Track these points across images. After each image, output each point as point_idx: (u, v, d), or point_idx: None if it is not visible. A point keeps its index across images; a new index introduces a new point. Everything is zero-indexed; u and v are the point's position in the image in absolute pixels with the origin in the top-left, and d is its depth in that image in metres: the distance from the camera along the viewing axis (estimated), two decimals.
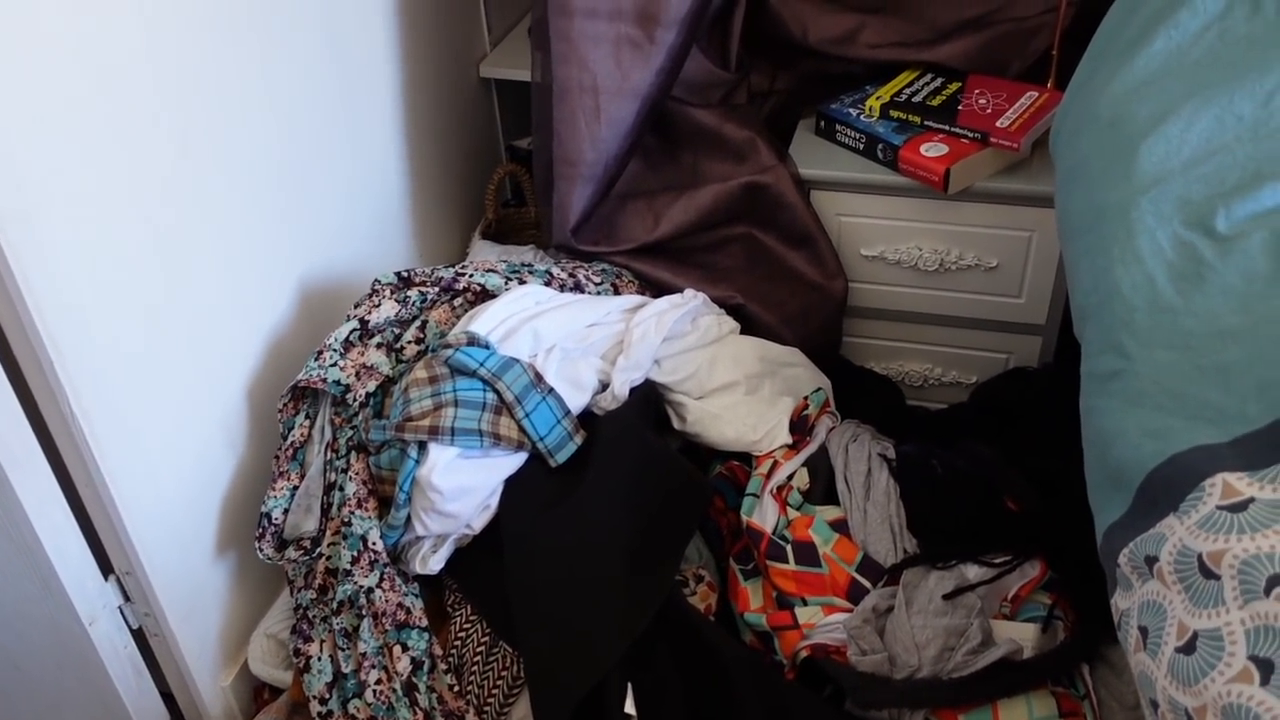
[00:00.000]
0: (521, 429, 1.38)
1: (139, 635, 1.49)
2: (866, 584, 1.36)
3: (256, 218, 1.52)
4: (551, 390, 1.42)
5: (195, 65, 1.36)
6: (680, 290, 1.71)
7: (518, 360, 1.41)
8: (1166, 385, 1.03)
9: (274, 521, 1.45)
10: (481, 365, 1.37)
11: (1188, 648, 0.87)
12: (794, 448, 1.53)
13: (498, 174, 2.18)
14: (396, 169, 1.91)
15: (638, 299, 1.57)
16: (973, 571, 1.34)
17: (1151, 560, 0.94)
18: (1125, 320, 1.09)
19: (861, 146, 1.79)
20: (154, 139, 1.30)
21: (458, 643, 1.38)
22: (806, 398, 1.61)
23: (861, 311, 1.88)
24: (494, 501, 1.39)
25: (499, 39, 2.26)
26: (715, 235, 1.83)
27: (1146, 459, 0.99)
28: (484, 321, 1.45)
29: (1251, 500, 0.90)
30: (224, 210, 1.45)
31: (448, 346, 1.41)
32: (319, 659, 1.40)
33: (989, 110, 1.73)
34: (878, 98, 1.80)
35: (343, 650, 1.39)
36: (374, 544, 1.38)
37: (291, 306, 1.63)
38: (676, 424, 1.56)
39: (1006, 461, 1.53)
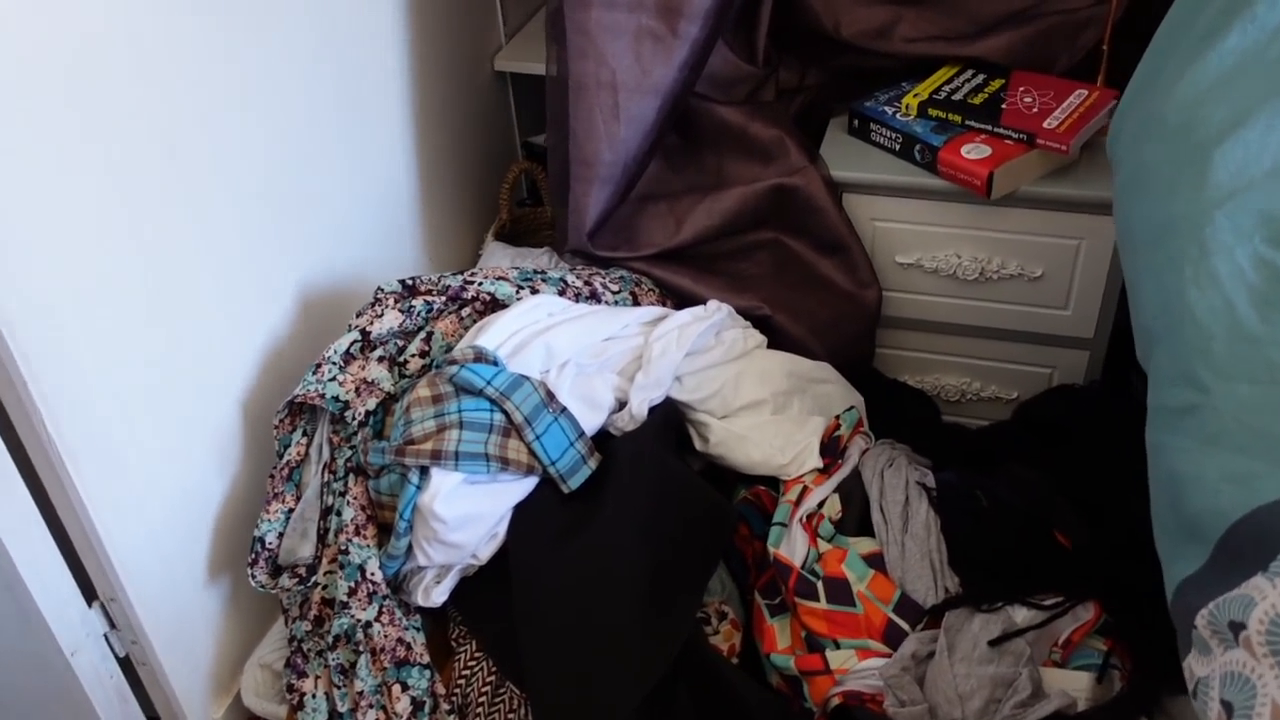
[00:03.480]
0: (532, 452, 1.28)
1: (126, 663, 1.40)
2: (904, 626, 1.25)
3: (252, 220, 1.42)
4: (564, 410, 1.32)
5: (183, 56, 1.26)
6: (703, 300, 1.61)
7: (528, 378, 1.31)
8: (1250, 424, 0.92)
9: (267, 546, 1.36)
10: (489, 383, 1.28)
11: None
12: (825, 472, 1.43)
13: (512, 172, 2.08)
14: (404, 167, 1.81)
15: (658, 311, 1.47)
16: (1021, 614, 1.23)
17: (1237, 627, 0.83)
18: (1201, 349, 0.98)
19: (898, 147, 1.68)
20: (136, 135, 1.20)
21: (461, 681, 1.29)
22: (838, 417, 1.50)
23: (896, 322, 1.77)
24: (502, 530, 1.29)
25: (515, 30, 2.16)
26: (741, 241, 1.72)
27: (1228, 509, 0.88)
28: (493, 335, 1.35)
29: None
30: (216, 212, 1.35)
31: (453, 363, 1.31)
32: (313, 696, 1.31)
33: (1035, 109, 1.61)
34: (915, 95, 1.69)
35: (339, 688, 1.29)
36: (372, 574, 1.28)
37: (290, 313, 1.53)
38: (699, 445, 1.46)
39: (1053, 488, 1.42)
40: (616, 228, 1.69)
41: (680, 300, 1.65)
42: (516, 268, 1.56)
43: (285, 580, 1.35)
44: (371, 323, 1.41)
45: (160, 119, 1.23)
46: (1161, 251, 1.06)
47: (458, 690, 1.28)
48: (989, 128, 1.61)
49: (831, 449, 1.45)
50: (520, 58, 2.09)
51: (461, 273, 1.50)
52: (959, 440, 1.73)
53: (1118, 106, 1.29)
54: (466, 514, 1.23)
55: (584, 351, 1.38)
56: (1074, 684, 1.19)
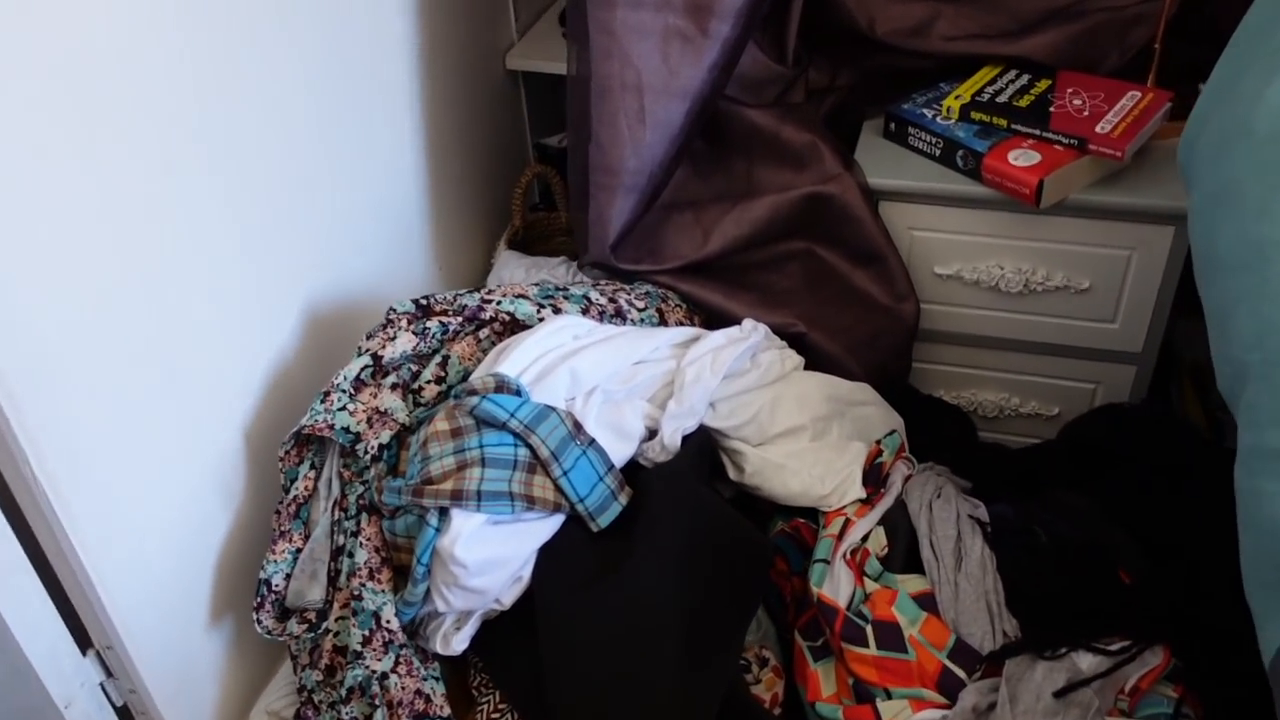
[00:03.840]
0: (559, 489, 1.19)
1: (124, 713, 1.31)
2: (960, 674, 1.16)
3: (253, 233, 1.32)
4: (592, 442, 1.23)
5: (179, 58, 1.16)
6: (734, 316, 1.51)
7: (554, 409, 1.22)
8: None
9: (274, 589, 1.27)
10: (512, 416, 1.18)
11: None
12: (867, 502, 1.34)
13: (525, 176, 1.99)
14: (413, 173, 1.71)
15: (690, 332, 1.38)
16: (1086, 661, 1.14)
17: None
18: None
19: (938, 153, 1.58)
20: (125, 146, 1.10)
21: None
22: (879, 442, 1.41)
23: (933, 335, 1.68)
24: (527, 572, 1.20)
25: (527, 27, 2.07)
26: (772, 251, 1.63)
27: None
28: (515, 361, 1.26)
29: None
30: (217, 225, 1.25)
31: (473, 392, 1.21)
32: None
33: (1086, 113, 1.52)
34: (957, 97, 1.60)
35: None
36: (388, 622, 1.19)
37: (296, 332, 1.44)
38: (733, 474, 1.36)
39: (1106, 517, 1.34)
40: (640, 239, 1.60)
41: (709, 316, 1.56)
42: (537, 284, 1.46)
43: (294, 626, 1.26)
44: (383, 346, 1.32)
45: (152, 127, 1.13)
46: (1257, 277, 0.97)
47: None
48: (1037, 132, 1.52)
49: (874, 477, 1.36)
50: (533, 55, 2.00)
51: (479, 290, 1.41)
52: (1000, 461, 1.64)
53: (1192, 113, 1.19)
54: (489, 558, 1.14)
55: (612, 377, 1.29)
56: None
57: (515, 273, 1.81)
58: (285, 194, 1.38)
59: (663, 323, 1.47)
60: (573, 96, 1.57)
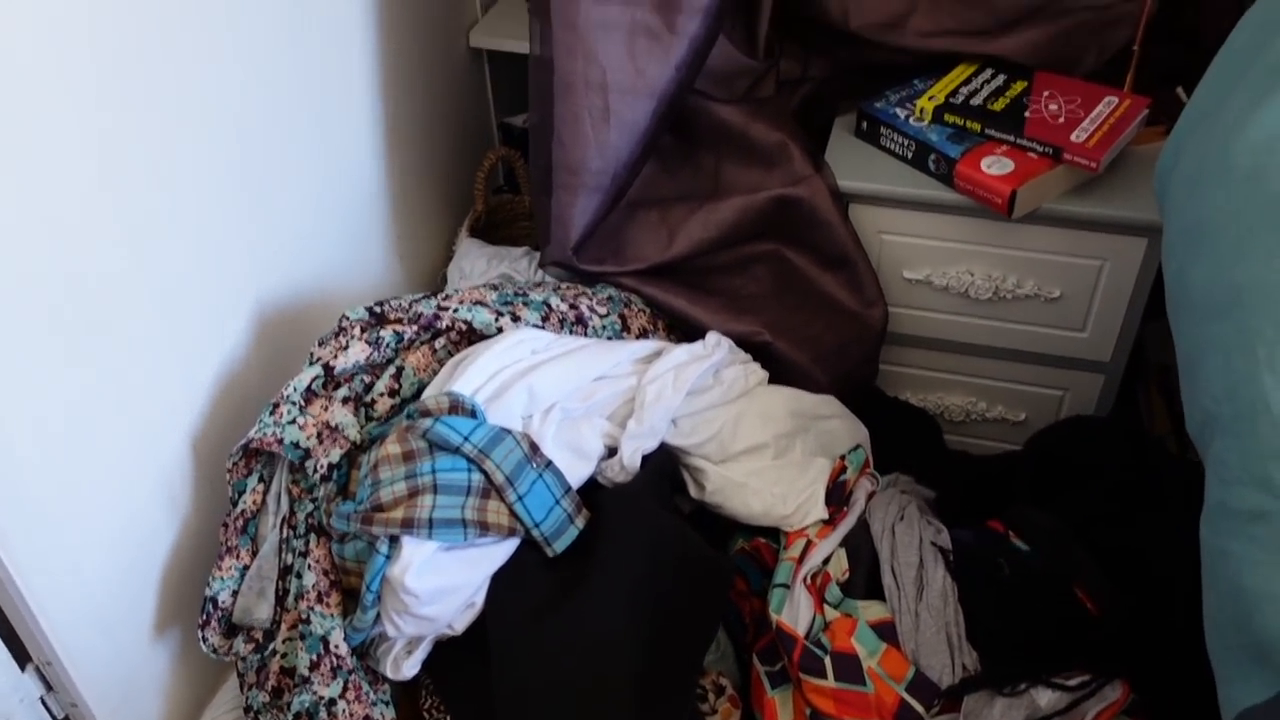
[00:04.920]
0: (514, 513, 1.16)
1: None
2: (918, 708, 1.15)
3: (202, 230, 1.26)
4: (549, 464, 1.19)
5: (116, 45, 1.09)
6: (698, 322, 1.48)
7: (509, 431, 1.18)
8: None
9: (220, 606, 1.23)
10: (466, 440, 1.15)
11: None
12: (829, 522, 1.32)
13: (489, 160, 1.93)
14: (371, 158, 1.65)
15: (651, 346, 1.34)
16: (1045, 698, 1.14)
17: None
18: (1279, 451, 0.86)
19: (910, 155, 1.54)
20: (67, 139, 1.04)
21: None
22: (844, 457, 1.39)
23: (900, 339, 1.65)
24: (480, 599, 1.17)
25: (490, 2, 1.99)
26: (738, 253, 1.59)
27: None
28: (470, 377, 1.22)
29: None
30: (160, 223, 1.19)
31: (426, 413, 1.17)
32: None
33: (1061, 119, 1.48)
34: (930, 98, 1.56)
35: None
36: (336, 647, 1.16)
37: (247, 333, 1.39)
38: (694, 492, 1.34)
39: (1071, 536, 1.32)
40: (604, 238, 1.55)
41: (672, 320, 1.52)
42: (495, 286, 1.42)
43: (240, 645, 1.22)
44: (335, 356, 1.27)
45: (91, 119, 1.07)
46: (1229, 324, 0.95)
47: None
48: (1011, 139, 1.48)
49: (837, 495, 1.34)
50: (497, 33, 1.93)
51: (434, 295, 1.37)
52: (965, 469, 1.63)
53: (1170, 137, 1.16)
54: (441, 586, 1.11)
55: (572, 394, 1.25)
56: None
57: (477, 263, 1.76)
58: (234, 187, 1.32)
59: (625, 329, 1.44)
60: (535, 79, 1.51)
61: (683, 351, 1.32)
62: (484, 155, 1.94)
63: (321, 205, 1.53)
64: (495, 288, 1.42)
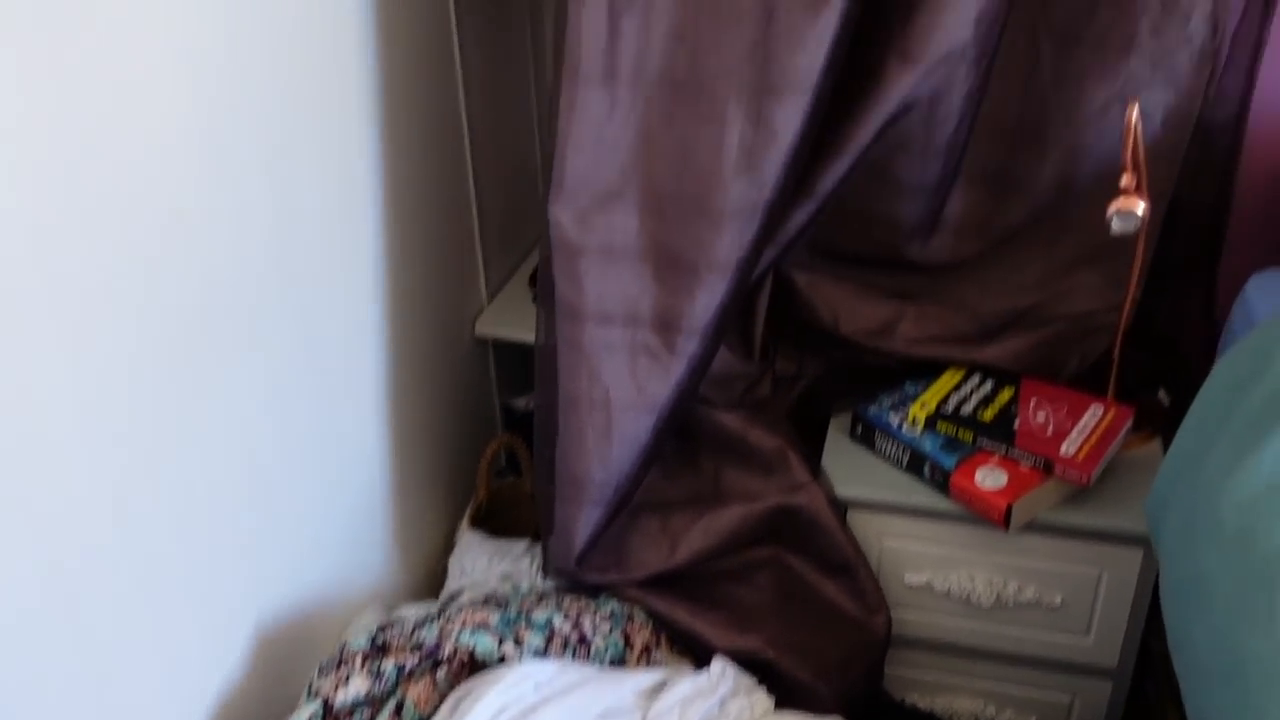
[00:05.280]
0: None
1: None
2: None
3: (201, 551, 1.25)
4: None
5: (131, 372, 1.10)
6: (700, 637, 1.48)
7: None
8: None
9: None
10: None
11: None
12: None
13: (491, 448, 1.96)
14: (379, 454, 1.66)
15: (655, 676, 1.33)
16: None
17: None
18: None
19: (905, 462, 1.58)
20: (64, 451, 1.04)
21: None
22: None
23: (906, 642, 1.64)
24: None
25: (497, 288, 2.06)
26: (739, 559, 1.60)
27: None
28: (476, 718, 1.20)
29: None
30: (159, 545, 1.18)
31: None
32: None
33: (1050, 431, 1.53)
34: (922, 405, 1.61)
35: None
36: None
37: (245, 657, 1.37)
38: None
39: None
40: (606, 547, 1.56)
41: (674, 635, 1.51)
42: (500, 604, 1.42)
43: None
44: (335, 689, 1.26)
45: (107, 453, 1.09)
46: (1233, 692, 0.95)
47: None
48: (1003, 449, 1.52)
49: None
50: (503, 323, 1.98)
51: (438, 618, 1.36)
52: None
53: (1161, 471, 1.19)
54: None
55: None
56: None
57: (478, 560, 1.77)
58: (236, 501, 1.31)
59: (628, 646, 1.43)
60: (542, 369, 1.53)
61: (687, 685, 1.30)
62: (486, 442, 1.97)
63: (327, 507, 1.53)
64: (500, 605, 1.42)
